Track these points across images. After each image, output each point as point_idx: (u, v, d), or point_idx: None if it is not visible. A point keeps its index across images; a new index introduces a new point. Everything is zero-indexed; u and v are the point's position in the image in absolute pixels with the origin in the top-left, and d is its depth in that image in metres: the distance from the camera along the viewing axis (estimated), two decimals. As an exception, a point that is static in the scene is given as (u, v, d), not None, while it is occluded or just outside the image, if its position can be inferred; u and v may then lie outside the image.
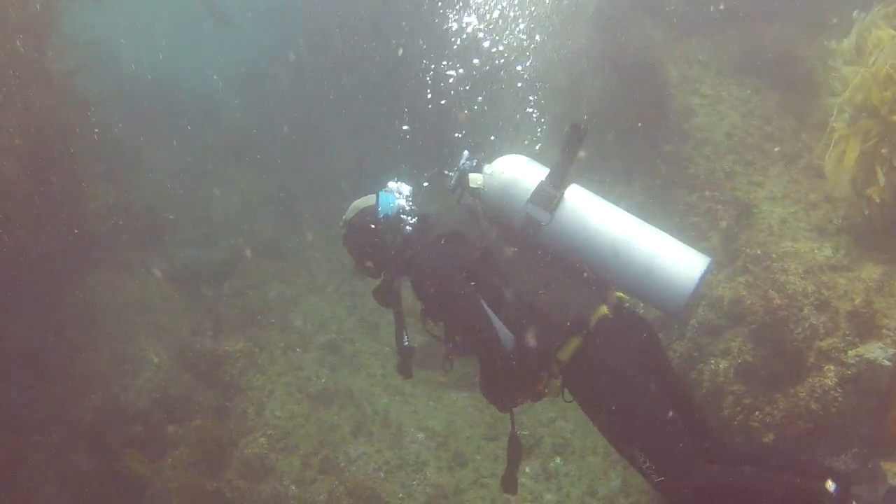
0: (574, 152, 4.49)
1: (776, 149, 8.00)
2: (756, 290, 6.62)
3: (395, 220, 4.85)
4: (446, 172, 4.84)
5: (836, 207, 7.01)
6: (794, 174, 7.74)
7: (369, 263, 5.01)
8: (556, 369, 4.34)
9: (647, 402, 4.22)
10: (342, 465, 8.66)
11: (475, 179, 4.63)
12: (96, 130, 11.76)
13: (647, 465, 4.19)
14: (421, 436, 8.98)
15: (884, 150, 6.17)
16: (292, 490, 8.46)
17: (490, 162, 4.74)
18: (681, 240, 4.58)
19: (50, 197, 9.87)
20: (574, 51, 10.00)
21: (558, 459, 8.59)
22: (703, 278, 4.34)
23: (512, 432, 4.77)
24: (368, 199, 4.99)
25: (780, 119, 8.31)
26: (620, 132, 8.99)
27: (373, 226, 4.86)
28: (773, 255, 6.80)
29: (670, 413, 4.22)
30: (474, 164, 4.75)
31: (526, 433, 8.75)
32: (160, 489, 8.66)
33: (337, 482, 8.42)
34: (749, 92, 8.66)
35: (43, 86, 10.12)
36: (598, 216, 4.46)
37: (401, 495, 8.44)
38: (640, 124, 8.76)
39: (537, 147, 9.97)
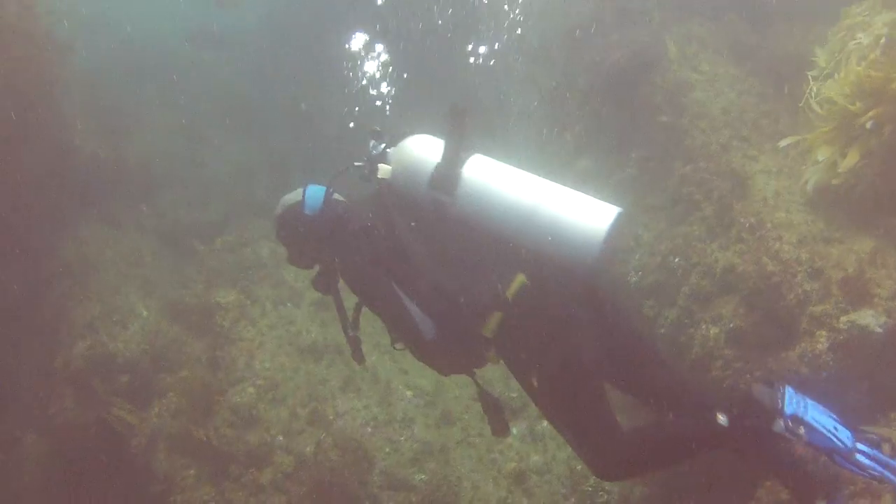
0: (460, 133, 4.51)
1: (770, 125, 8.16)
2: (750, 257, 6.77)
3: (319, 214, 4.95)
4: (356, 164, 4.92)
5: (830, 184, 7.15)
6: (788, 150, 7.91)
7: (300, 256, 5.21)
8: (486, 344, 4.45)
9: (569, 376, 4.29)
10: (330, 418, 8.81)
11: (383, 171, 4.69)
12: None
13: (570, 438, 4.38)
14: (409, 393, 9.14)
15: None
16: (279, 440, 8.61)
17: (394, 146, 4.79)
18: (595, 197, 4.54)
19: (32, 149, 9.90)
20: (568, 26, 10.16)
21: (545, 423, 8.74)
22: (613, 228, 4.29)
23: (480, 390, 4.85)
24: (296, 195, 5.11)
25: (775, 100, 8.46)
26: (616, 104, 9.14)
27: (299, 221, 5.01)
28: (768, 225, 6.91)
29: (596, 384, 4.32)
30: (382, 149, 4.84)
31: (514, 395, 8.93)
32: (147, 437, 8.73)
33: (324, 434, 8.57)
34: (745, 72, 8.83)
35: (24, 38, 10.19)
36: (499, 186, 4.45)
37: (387, 450, 8.61)
38: (635, 96, 8.88)
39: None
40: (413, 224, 4.59)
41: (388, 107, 10.53)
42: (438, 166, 4.50)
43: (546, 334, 4.31)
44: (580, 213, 4.31)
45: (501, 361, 4.58)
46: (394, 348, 4.84)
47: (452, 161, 4.48)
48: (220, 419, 8.73)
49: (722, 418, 3.97)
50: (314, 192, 5.02)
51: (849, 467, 3.83)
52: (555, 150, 10.35)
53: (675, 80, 8.66)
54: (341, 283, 4.99)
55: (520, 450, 8.61)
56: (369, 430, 8.77)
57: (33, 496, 9.38)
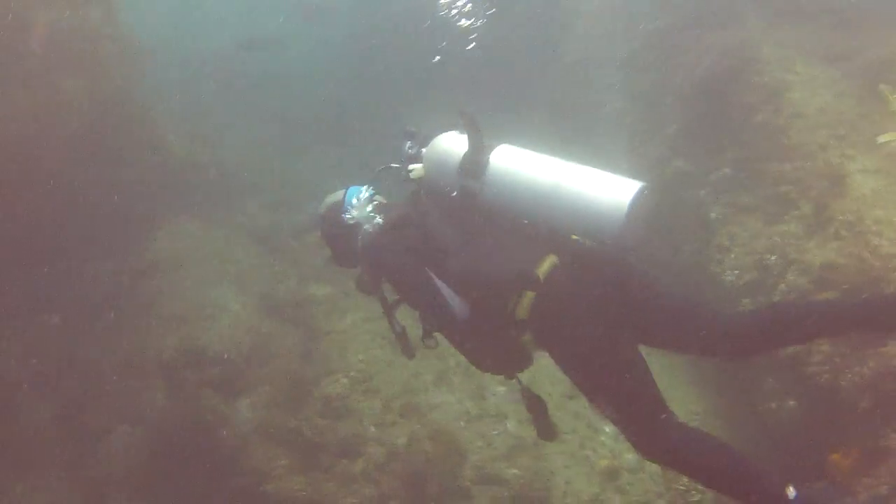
0: (475, 126, 4.68)
1: (867, 127, 8.22)
2: (849, 253, 6.95)
3: (360, 214, 5.01)
4: (393, 165, 5.07)
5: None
6: (888, 150, 7.96)
7: (343, 256, 5.35)
8: (519, 326, 4.44)
9: (608, 356, 4.32)
10: (423, 410, 8.92)
11: (416, 171, 4.87)
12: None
13: (616, 419, 4.37)
14: (502, 389, 9.24)
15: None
16: (372, 431, 8.76)
17: (426, 145, 4.93)
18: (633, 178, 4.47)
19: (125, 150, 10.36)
20: (660, 29, 10.34)
21: (639, 422, 8.79)
22: (635, 201, 4.26)
23: (522, 388, 4.91)
24: (338, 195, 5.27)
25: (872, 103, 8.53)
26: (711, 105, 9.28)
27: (341, 220, 5.08)
28: (867, 221, 7.06)
29: (637, 362, 4.34)
30: (415, 151, 4.97)
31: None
32: (238, 427, 8.90)
33: (418, 426, 8.73)
34: (841, 75, 8.93)
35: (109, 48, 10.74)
36: (525, 169, 4.55)
37: (480, 444, 8.72)
38: (730, 97, 9.01)
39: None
40: (445, 212, 4.75)
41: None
42: (466, 154, 4.67)
43: (581, 312, 4.37)
44: (602, 189, 4.32)
45: (542, 353, 4.63)
46: (423, 343, 4.89)
47: (478, 149, 4.65)
48: (313, 410, 8.90)
49: (791, 491, 3.86)
50: (354, 194, 5.14)
51: None
52: (646, 152, 10.47)
53: (771, 80, 8.85)
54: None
55: (613, 448, 8.68)
56: (462, 424, 8.89)
57: (123, 486, 9.53)
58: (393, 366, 9.50)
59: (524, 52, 12.29)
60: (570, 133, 11.98)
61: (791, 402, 7.57)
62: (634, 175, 4.39)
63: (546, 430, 4.94)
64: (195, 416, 9.22)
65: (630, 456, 8.56)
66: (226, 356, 9.65)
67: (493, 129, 4.76)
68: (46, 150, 10.13)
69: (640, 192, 4.29)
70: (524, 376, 4.86)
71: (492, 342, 4.62)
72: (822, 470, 6.92)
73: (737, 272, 8.39)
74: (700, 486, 7.32)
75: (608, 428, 8.84)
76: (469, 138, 4.69)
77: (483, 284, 4.49)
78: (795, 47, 9.18)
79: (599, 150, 11.14)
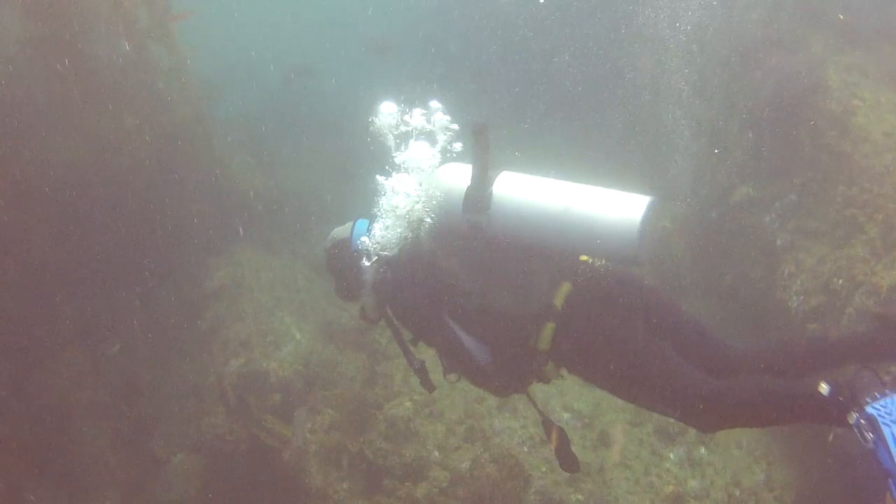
0: (485, 152, 4.67)
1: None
2: (918, 274, 6.97)
3: (366, 249, 4.99)
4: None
5: None
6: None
7: (348, 289, 5.29)
8: (542, 357, 4.51)
9: (638, 356, 4.40)
10: (487, 435, 8.99)
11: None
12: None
13: (667, 409, 4.44)
14: (566, 415, 9.30)
15: None
16: (435, 455, 8.86)
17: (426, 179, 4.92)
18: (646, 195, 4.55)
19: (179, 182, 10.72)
20: (725, 56, 10.46)
21: (703, 450, 8.91)
22: (646, 218, 4.36)
23: (541, 417, 5.02)
24: (345, 230, 5.28)
25: (940, 128, 8.59)
26: (777, 131, 9.36)
27: (346, 257, 5.13)
28: (937, 243, 7.07)
29: (664, 352, 4.44)
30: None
31: (672, 420, 8.95)
32: (299, 450, 9.01)
33: (482, 450, 8.83)
34: (908, 100, 8.98)
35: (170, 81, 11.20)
36: (530, 197, 4.58)
37: (544, 469, 8.81)
38: (796, 122, 9.08)
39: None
40: (452, 248, 4.76)
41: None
42: (469, 189, 4.68)
43: (601, 333, 4.44)
44: (611, 208, 4.40)
45: (563, 373, 4.74)
46: (446, 379, 4.90)
47: (482, 181, 4.67)
48: (376, 433, 9.02)
49: (825, 387, 3.90)
50: (362, 228, 5.17)
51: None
52: (712, 180, 10.55)
53: (837, 105, 8.88)
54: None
55: (677, 474, 8.72)
56: (525, 449, 8.98)
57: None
58: (456, 390, 9.57)
59: (590, 75, 12.42)
60: (639, 159, 12.15)
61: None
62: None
63: (568, 460, 5.01)
64: (255, 440, 9.36)
65: (695, 482, 8.61)
66: (288, 382, 9.77)
67: (498, 153, 4.77)
68: (108, 183, 10.47)
69: (650, 208, 4.39)
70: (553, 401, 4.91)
71: (514, 376, 4.70)
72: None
73: (802, 297, 8.45)
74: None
75: (672, 454, 8.91)
76: (474, 168, 4.71)
77: (503, 323, 4.53)
78: (860, 72, 9.25)
79: (668, 179, 11.33)
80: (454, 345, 4.57)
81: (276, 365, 10.06)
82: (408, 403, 9.25)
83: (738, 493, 8.42)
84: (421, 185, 4.89)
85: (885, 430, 3.61)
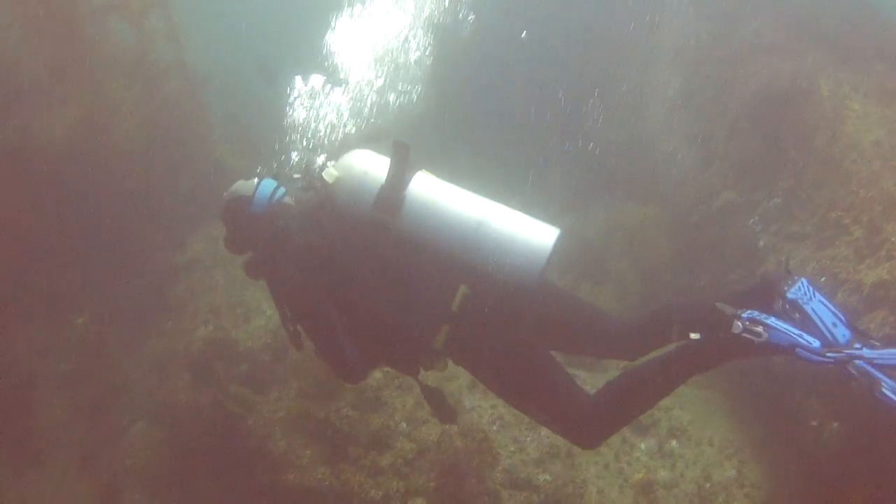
0: (403, 164, 4.69)
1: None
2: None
3: (263, 216, 5.02)
4: (294, 176, 5.12)
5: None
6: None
7: (235, 244, 5.29)
8: (436, 356, 4.68)
9: (522, 364, 4.64)
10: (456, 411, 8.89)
11: (329, 174, 4.77)
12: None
13: (543, 419, 4.76)
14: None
15: None
16: (402, 426, 8.78)
17: (336, 160, 4.91)
18: (533, 216, 4.74)
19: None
20: (718, 64, 10.71)
21: (674, 443, 8.90)
22: (556, 247, 4.54)
23: (419, 383, 5.07)
24: (249, 188, 5.16)
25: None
26: (763, 137, 9.53)
27: (243, 216, 5.08)
28: (922, 244, 7.21)
29: (550, 368, 4.73)
30: (321, 162, 4.95)
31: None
32: (264, 417, 8.92)
33: (450, 425, 8.65)
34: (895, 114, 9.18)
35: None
36: (444, 205, 4.64)
37: (512, 449, 8.75)
38: (783, 129, 9.27)
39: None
40: (355, 243, 4.75)
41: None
42: (383, 189, 4.66)
43: (492, 335, 4.61)
44: (524, 231, 4.57)
45: (447, 367, 4.87)
46: (313, 357, 4.99)
47: (398, 184, 4.66)
48: (344, 401, 8.84)
49: (694, 336, 4.33)
50: (265, 191, 5.10)
51: (814, 358, 4.06)
52: (696, 185, 10.69)
53: (826, 113, 9.06)
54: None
55: (648, 464, 8.70)
56: (495, 427, 8.91)
57: (138, 480, 9.57)
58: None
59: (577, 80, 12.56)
60: (626, 166, 12.28)
61: (834, 424, 7.59)
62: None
63: (445, 412, 5.14)
64: (220, 408, 9.25)
65: (665, 473, 8.60)
66: (256, 353, 9.70)
67: (417, 153, 4.78)
68: (96, 155, 10.54)
69: (559, 239, 4.57)
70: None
71: (401, 367, 4.97)
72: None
73: (785, 296, 8.45)
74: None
75: (643, 445, 8.89)
76: (391, 170, 4.70)
77: (399, 324, 4.64)
78: (850, 86, 9.46)
79: (652, 185, 11.46)
80: (330, 342, 4.65)
81: (245, 336, 9.91)
82: (378, 374, 9.09)
83: (708, 486, 8.37)
84: (334, 164, 4.88)
85: (768, 321, 4.12)
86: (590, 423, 4.63)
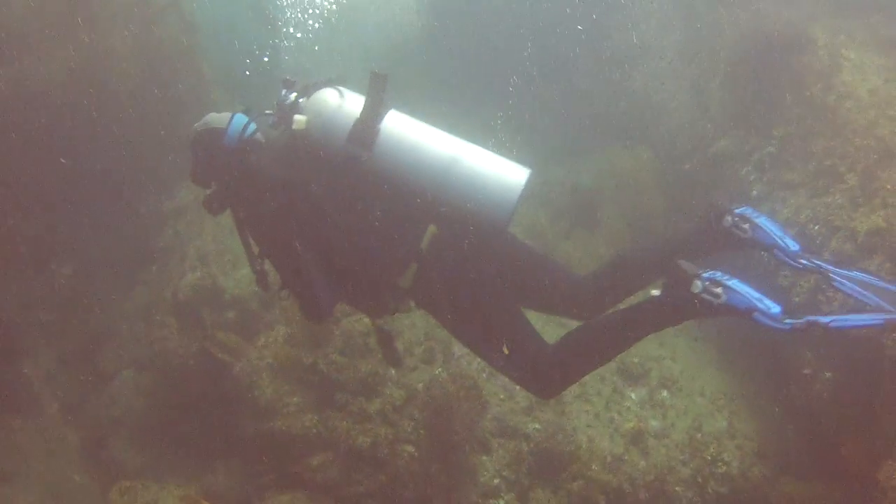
0: (380, 96, 4.68)
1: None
2: (896, 218, 7.02)
3: (236, 149, 4.98)
4: (266, 112, 5.05)
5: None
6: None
7: (202, 176, 5.27)
8: (402, 295, 4.77)
9: (486, 309, 4.71)
10: (445, 358, 8.91)
11: (299, 122, 4.74)
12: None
13: (502, 366, 4.83)
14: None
15: None
16: (391, 373, 8.76)
17: (308, 97, 4.87)
18: (502, 155, 4.81)
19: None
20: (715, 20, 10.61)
21: (665, 392, 8.89)
22: (526, 187, 4.63)
23: (374, 326, 5.33)
24: (222, 120, 5.13)
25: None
26: (759, 83, 9.45)
27: (216, 147, 5.03)
28: (917, 191, 7.14)
29: (512, 315, 4.77)
30: (292, 99, 4.91)
31: (636, 360, 8.99)
32: (251, 364, 8.86)
33: (440, 370, 8.67)
34: (893, 63, 9.08)
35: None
36: (418, 142, 4.68)
37: (502, 396, 8.73)
38: (779, 76, 9.18)
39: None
40: (324, 174, 4.74)
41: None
42: (357, 122, 4.66)
43: (459, 276, 4.67)
44: (496, 169, 4.64)
45: (412, 309, 5.01)
46: (279, 296, 5.04)
47: (373, 117, 4.66)
48: (332, 347, 8.78)
49: (655, 291, 4.45)
50: (239, 124, 5.05)
51: (770, 324, 4.21)
52: (690, 133, 10.63)
53: (823, 62, 8.93)
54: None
55: (638, 413, 8.68)
56: (484, 375, 8.84)
57: (123, 428, 9.53)
58: (417, 311, 9.41)
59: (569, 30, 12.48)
60: (621, 116, 12.23)
61: (827, 374, 7.55)
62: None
63: (391, 356, 5.45)
64: (206, 355, 9.17)
65: (655, 423, 8.57)
66: (244, 301, 9.62)
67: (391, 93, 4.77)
68: (92, 101, 10.45)
69: (529, 178, 4.68)
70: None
71: (364, 305, 5.00)
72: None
73: (776, 246, 8.39)
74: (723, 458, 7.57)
75: (634, 394, 8.87)
76: (367, 103, 4.69)
77: (367, 260, 4.68)
78: (847, 35, 9.35)
79: (645, 134, 11.39)
80: (300, 278, 4.65)
81: (233, 284, 9.80)
82: (366, 319, 9.07)
83: (699, 436, 8.35)
84: (305, 100, 4.85)
85: (728, 282, 4.22)
86: (548, 374, 4.71)
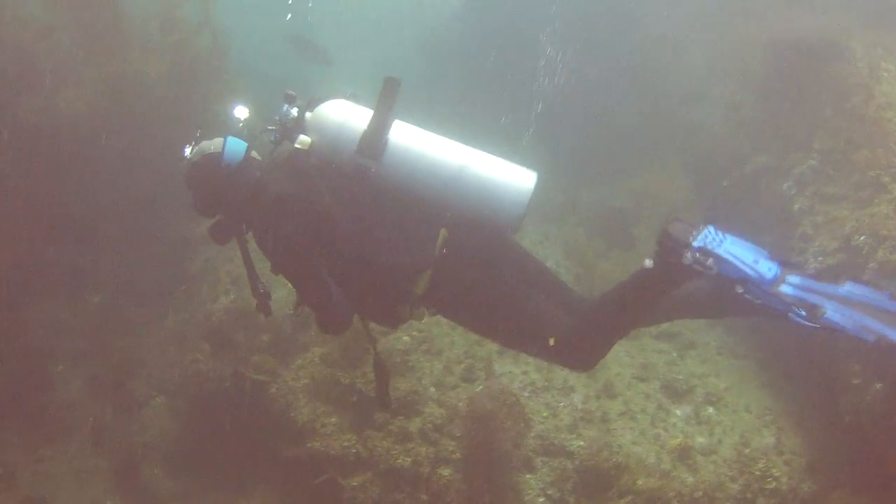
0: (391, 102, 4.64)
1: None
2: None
3: (237, 170, 4.87)
4: (269, 128, 4.94)
5: None
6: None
7: (206, 206, 5.08)
8: (414, 300, 4.62)
9: (508, 298, 4.62)
10: (486, 377, 8.75)
11: (303, 142, 4.69)
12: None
13: (536, 352, 4.68)
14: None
15: None
16: (431, 391, 8.64)
17: (312, 110, 4.81)
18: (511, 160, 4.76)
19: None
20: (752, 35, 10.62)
21: (711, 409, 8.76)
22: (535, 190, 4.58)
23: (374, 355, 5.08)
24: (216, 144, 5.00)
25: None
26: (797, 94, 9.41)
27: (216, 171, 4.89)
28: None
29: (531, 295, 4.68)
30: (294, 114, 4.85)
31: (679, 378, 8.89)
32: (287, 384, 8.78)
33: (480, 387, 8.53)
34: (932, 77, 9.07)
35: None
36: (425, 151, 4.64)
37: (545, 414, 8.60)
38: (817, 88, 9.16)
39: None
40: (333, 187, 4.66)
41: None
42: (366, 133, 4.60)
43: (471, 275, 4.62)
44: (505, 175, 4.59)
45: (426, 317, 4.82)
46: (293, 314, 4.95)
47: (381, 127, 4.61)
48: (370, 367, 8.56)
49: (648, 262, 4.23)
50: (234, 146, 4.93)
51: (764, 297, 4.03)
52: (727, 150, 10.57)
53: (862, 74, 8.90)
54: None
55: (684, 430, 8.54)
56: (526, 394, 8.73)
57: (156, 454, 9.45)
58: (456, 329, 9.33)
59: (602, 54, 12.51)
60: (660, 136, 12.21)
61: (877, 385, 7.44)
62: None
63: (382, 396, 5.21)
64: (241, 378, 9.07)
65: (702, 439, 8.42)
66: (278, 324, 9.52)
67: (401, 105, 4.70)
68: (125, 126, 10.52)
69: (537, 182, 4.59)
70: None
71: (379, 316, 4.83)
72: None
73: (821, 258, 8.33)
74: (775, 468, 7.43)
75: (679, 411, 8.73)
76: (378, 109, 4.64)
77: (384, 270, 4.57)
78: (884, 48, 9.32)
79: (681, 153, 11.35)
80: (321, 296, 4.53)
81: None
82: (405, 338, 8.97)
83: (747, 452, 8.19)
84: (310, 114, 4.78)
85: (718, 250, 3.97)
86: (588, 349, 4.59)
